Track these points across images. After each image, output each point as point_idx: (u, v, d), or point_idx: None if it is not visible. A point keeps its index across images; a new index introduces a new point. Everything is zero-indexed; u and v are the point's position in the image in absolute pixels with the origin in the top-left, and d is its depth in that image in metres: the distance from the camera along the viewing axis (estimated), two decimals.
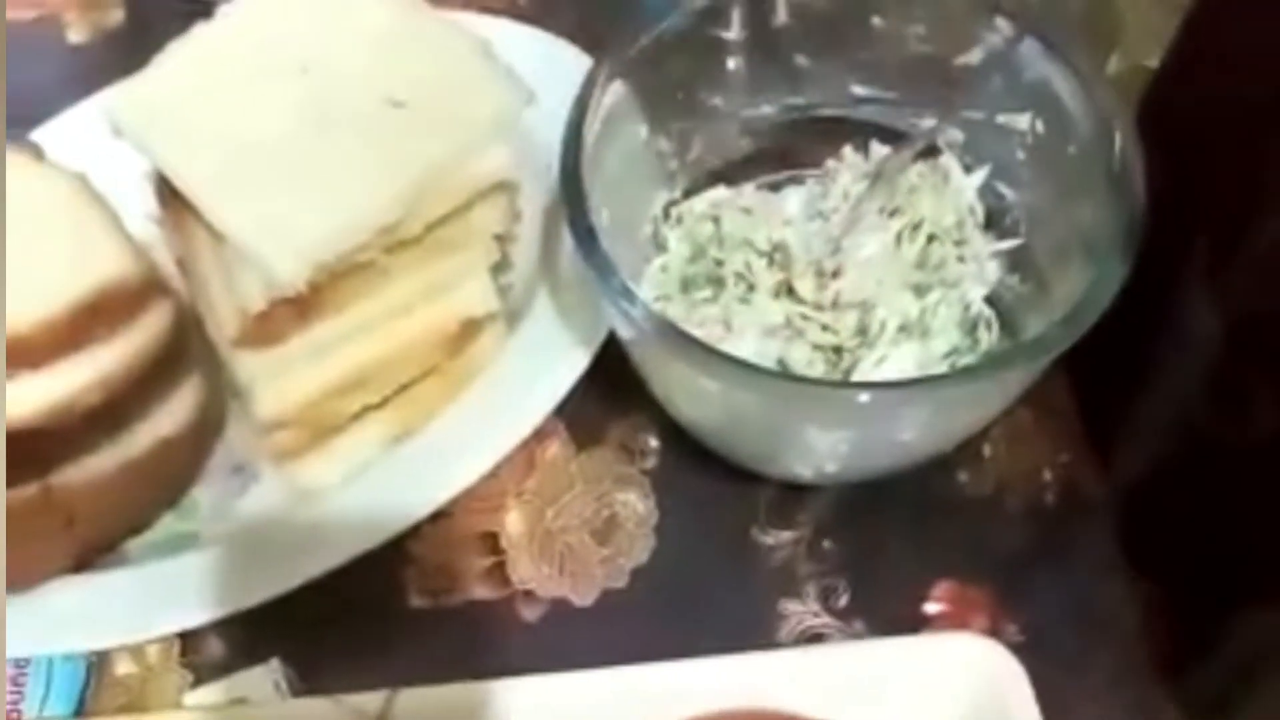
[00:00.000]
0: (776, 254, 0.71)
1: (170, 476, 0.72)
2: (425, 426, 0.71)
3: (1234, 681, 0.62)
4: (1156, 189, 0.62)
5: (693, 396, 0.68)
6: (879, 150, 0.74)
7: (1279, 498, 0.58)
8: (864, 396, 0.62)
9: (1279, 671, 0.59)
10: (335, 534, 0.68)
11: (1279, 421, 0.57)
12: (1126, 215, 0.62)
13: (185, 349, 0.71)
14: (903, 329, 0.69)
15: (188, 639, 0.68)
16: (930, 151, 0.73)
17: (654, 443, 0.73)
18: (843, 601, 0.67)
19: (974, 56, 0.71)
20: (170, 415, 0.71)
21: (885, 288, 0.69)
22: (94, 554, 0.70)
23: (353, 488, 0.70)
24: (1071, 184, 0.68)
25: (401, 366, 0.72)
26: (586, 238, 0.63)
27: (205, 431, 0.73)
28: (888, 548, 0.69)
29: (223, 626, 0.67)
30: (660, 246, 0.73)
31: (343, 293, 0.68)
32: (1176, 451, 0.64)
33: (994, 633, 0.64)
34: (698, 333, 0.65)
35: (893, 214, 0.72)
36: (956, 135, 0.73)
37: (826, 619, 0.67)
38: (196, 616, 0.67)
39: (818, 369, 0.69)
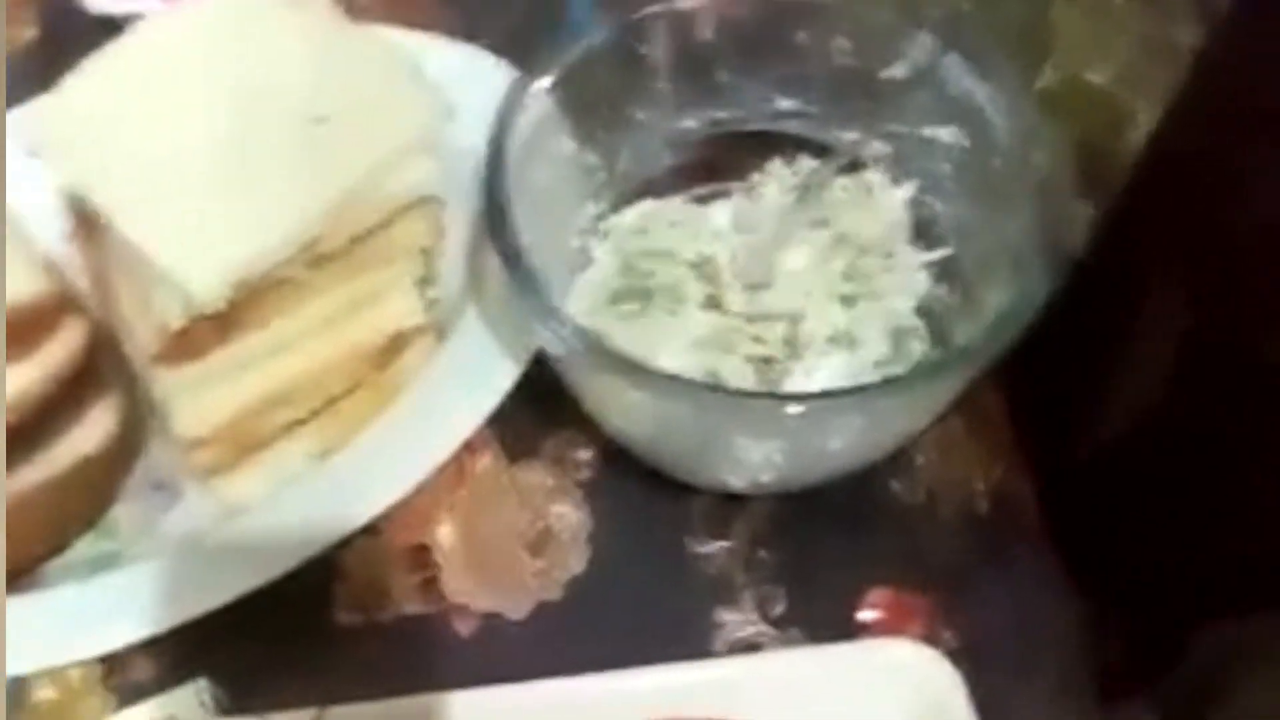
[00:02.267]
0: (704, 267, 0.71)
1: (90, 496, 0.70)
2: (353, 441, 0.70)
3: (1175, 690, 0.62)
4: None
5: (623, 410, 0.68)
6: (806, 163, 0.74)
7: (1216, 508, 0.59)
8: (794, 407, 0.62)
9: (1222, 678, 0.60)
10: (262, 550, 0.66)
11: (1225, 432, 0.58)
12: (1050, 227, 0.63)
13: (100, 367, 0.70)
14: (832, 340, 0.69)
15: (111, 661, 0.66)
16: (857, 165, 0.74)
17: (587, 454, 0.72)
18: (779, 610, 0.67)
19: (898, 71, 0.72)
20: (88, 434, 0.69)
21: (814, 299, 0.70)
22: (12, 576, 0.68)
23: (280, 503, 0.69)
24: (997, 196, 0.69)
25: (328, 381, 0.71)
26: (511, 255, 0.63)
27: (125, 449, 0.72)
28: (823, 556, 0.69)
29: (147, 647, 0.66)
30: (588, 260, 0.73)
31: (265, 308, 0.67)
32: (1118, 462, 0.65)
33: (930, 640, 0.64)
34: (627, 346, 0.65)
35: (820, 227, 0.72)
36: (883, 148, 0.73)
37: (763, 627, 0.67)
38: (120, 637, 0.65)
39: (748, 380, 0.68)
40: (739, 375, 0.68)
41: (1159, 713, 0.63)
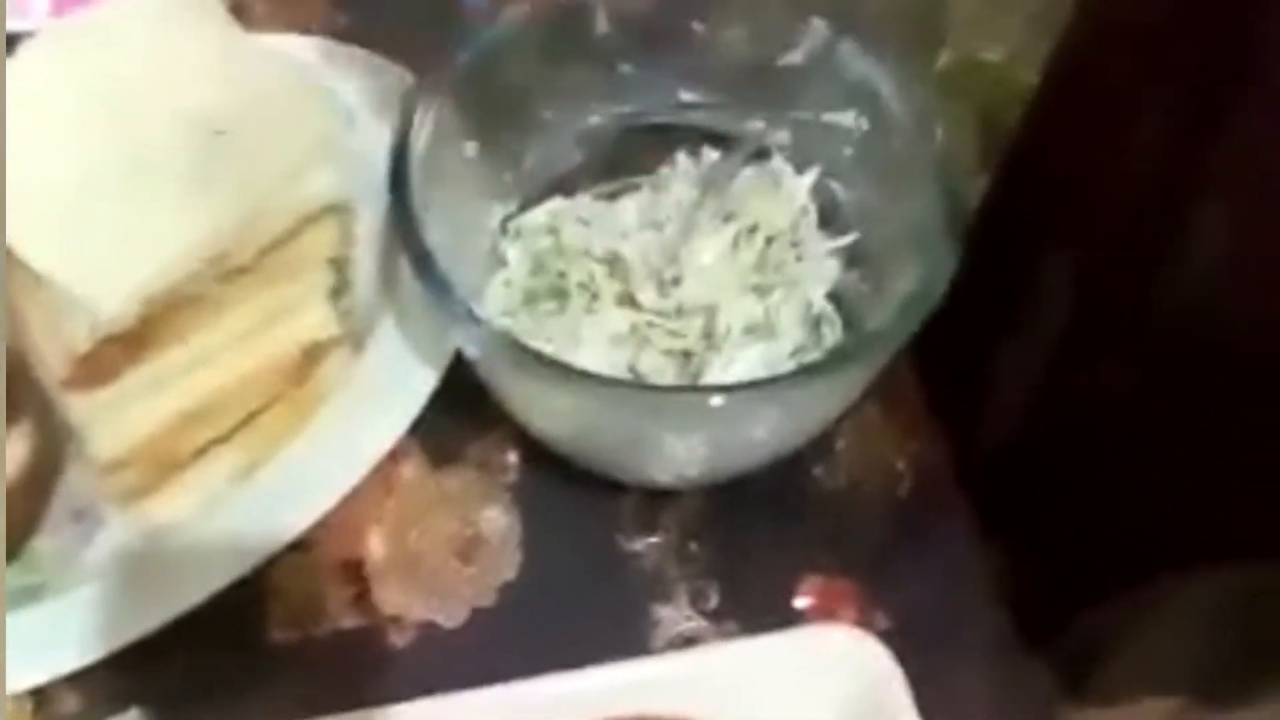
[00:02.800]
0: (615, 264, 0.72)
1: (8, 528, 0.69)
2: (275, 456, 0.70)
3: (1100, 649, 0.64)
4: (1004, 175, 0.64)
5: (545, 411, 0.68)
6: (710, 155, 0.75)
7: (1126, 471, 0.60)
8: (715, 400, 0.62)
9: (1140, 634, 0.61)
10: (190, 572, 0.66)
11: (1126, 392, 0.59)
12: (952, 208, 0.64)
13: (11, 395, 0.68)
14: (748, 330, 0.70)
15: (40, 695, 0.65)
16: (761, 154, 0.74)
17: (513, 457, 0.72)
18: (713, 603, 0.68)
19: (795, 58, 0.72)
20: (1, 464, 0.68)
21: (727, 291, 0.70)
22: None
23: (205, 523, 0.68)
24: (898, 179, 0.70)
25: (245, 396, 0.70)
26: (422, 259, 0.63)
27: (41, 478, 0.70)
28: (753, 546, 0.69)
29: (77, 679, 0.64)
30: (500, 261, 0.73)
31: (176, 326, 0.66)
32: (1030, 428, 0.66)
33: (863, 622, 0.65)
34: (545, 346, 0.65)
35: (727, 219, 0.73)
36: (785, 137, 0.74)
37: (699, 621, 0.67)
38: (48, 670, 0.64)
39: (668, 374, 0.69)
40: (658, 370, 0.69)
41: (1082, 673, 0.65)
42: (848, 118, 0.72)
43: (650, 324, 0.70)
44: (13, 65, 0.69)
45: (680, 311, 0.70)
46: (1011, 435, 0.71)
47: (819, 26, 0.71)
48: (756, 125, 0.74)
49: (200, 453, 0.70)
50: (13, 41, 0.71)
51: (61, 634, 0.65)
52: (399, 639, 0.67)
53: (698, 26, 0.73)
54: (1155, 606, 0.62)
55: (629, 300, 0.70)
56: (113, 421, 0.67)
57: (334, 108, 0.70)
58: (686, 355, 0.69)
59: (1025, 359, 0.68)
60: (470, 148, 0.72)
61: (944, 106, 0.67)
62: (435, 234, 0.64)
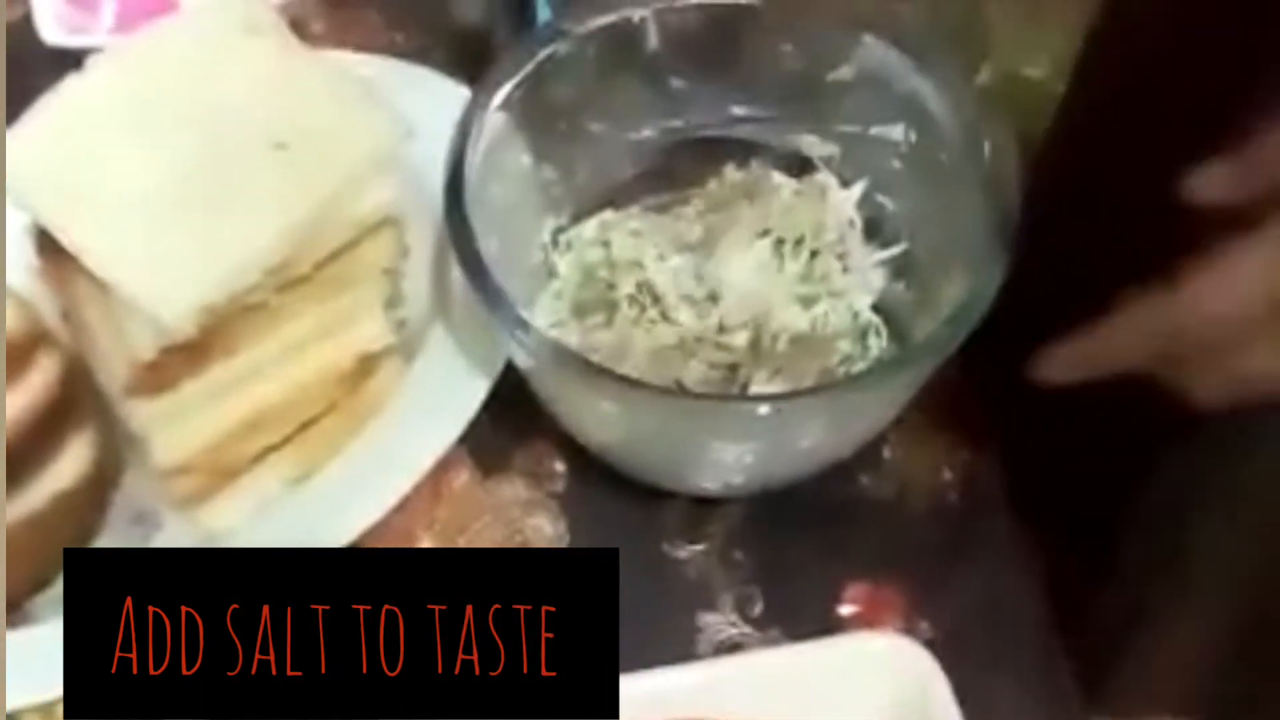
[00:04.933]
0: (647, 288, 0.72)
1: (70, 530, 0.70)
2: (328, 464, 0.71)
3: (1143, 667, 0.63)
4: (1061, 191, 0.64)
5: (594, 420, 0.69)
6: (758, 169, 0.76)
7: (1181, 482, 0.60)
8: (762, 409, 0.63)
9: (1186, 655, 0.61)
10: None
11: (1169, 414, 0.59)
12: (1000, 218, 0.64)
13: (76, 400, 0.70)
14: (795, 342, 0.70)
15: None
16: (808, 167, 0.75)
17: (560, 466, 0.73)
18: (758, 610, 0.68)
19: (845, 73, 0.73)
20: (65, 468, 0.69)
21: (772, 304, 0.71)
22: None
23: (259, 529, 0.69)
24: (947, 191, 0.70)
25: (300, 405, 0.71)
26: (476, 269, 0.64)
27: (103, 482, 0.72)
28: (798, 554, 0.70)
29: None
30: (551, 273, 0.74)
31: (235, 335, 0.68)
32: (1082, 441, 0.66)
33: (908, 631, 0.65)
34: (593, 358, 0.66)
35: (764, 233, 0.73)
36: (834, 149, 0.75)
37: (743, 628, 0.68)
38: None
39: (715, 387, 0.70)
40: (705, 383, 0.70)
41: (1134, 690, 0.65)
42: (896, 131, 0.72)
43: (697, 339, 0.71)
44: (80, 80, 0.72)
45: (724, 328, 0.71)
46: (1063, 447, 0.70)
47: (870, 43, 0.71)
48: (805, 138, 0.74)
49: (256, 460, 0.71)
50: (79, 57, 0.73)
51: None
52: None
53: (749, 43, 0.73)
54: (1174, 626, 0.62)
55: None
56: (174, 428, 0.69)
57: (392, 121, 0.71)
58: (733, 368, 0.70)
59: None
60: (523, 161, 0.73)
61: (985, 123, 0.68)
62: (488, 245, 0.65)
